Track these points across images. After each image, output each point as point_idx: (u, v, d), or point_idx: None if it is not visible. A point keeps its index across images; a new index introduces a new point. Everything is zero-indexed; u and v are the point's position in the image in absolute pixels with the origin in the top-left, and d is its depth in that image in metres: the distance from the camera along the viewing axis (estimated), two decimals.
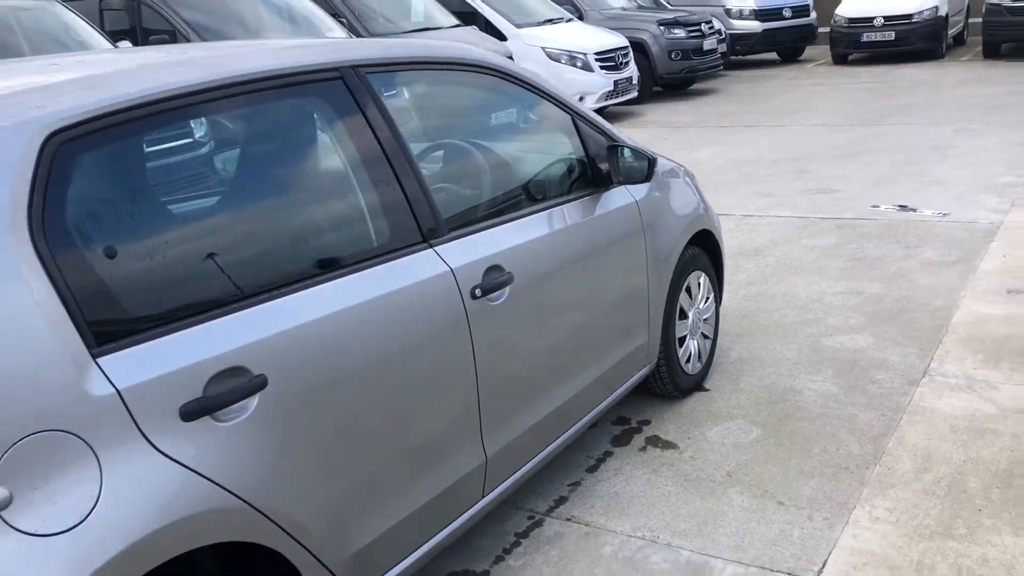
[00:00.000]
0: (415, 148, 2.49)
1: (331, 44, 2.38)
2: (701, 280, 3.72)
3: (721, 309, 4.56)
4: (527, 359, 2.62)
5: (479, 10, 11.31)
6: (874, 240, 5.57)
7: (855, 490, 2.96)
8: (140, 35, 8.17)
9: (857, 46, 14.81)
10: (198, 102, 1.94)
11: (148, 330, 1.73)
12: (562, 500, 3.06)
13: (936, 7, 14.37)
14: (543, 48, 11.04)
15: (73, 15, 7.30)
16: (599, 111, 10.91)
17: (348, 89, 2.29)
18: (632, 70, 11.60)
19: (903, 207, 6.25)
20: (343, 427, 2.03)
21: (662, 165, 3.49)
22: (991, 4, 13.57)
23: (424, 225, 2.34)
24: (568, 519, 2.95)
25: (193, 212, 2.04)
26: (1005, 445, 3.14)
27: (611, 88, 11.09)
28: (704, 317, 3.78)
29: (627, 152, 3.08)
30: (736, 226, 6.13)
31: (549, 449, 2.82)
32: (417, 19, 10.37)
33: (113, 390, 1.64)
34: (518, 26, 11.24)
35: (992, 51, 14.06)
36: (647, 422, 3.55)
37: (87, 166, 1.73)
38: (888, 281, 4.84)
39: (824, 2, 17.07)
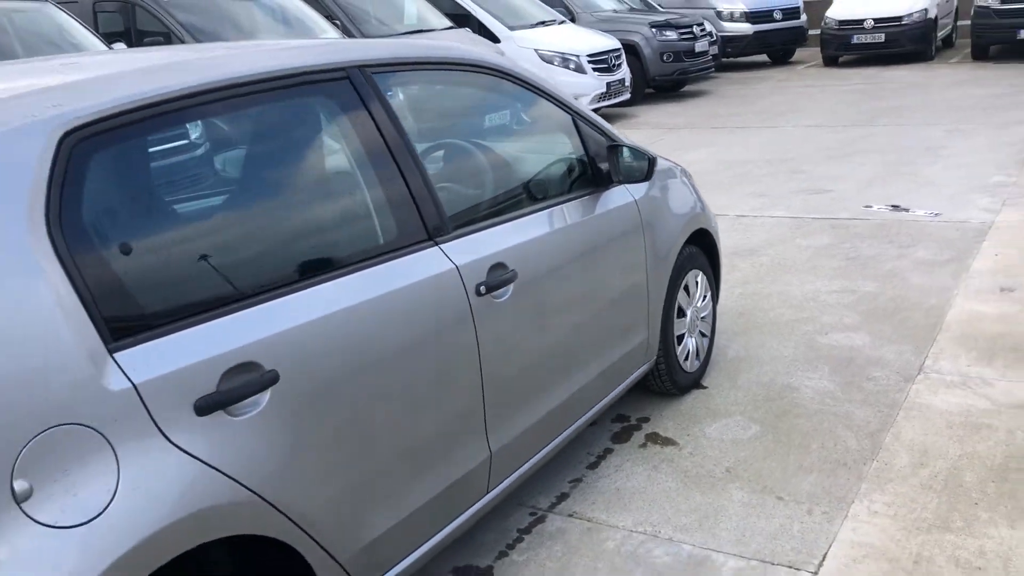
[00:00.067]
0: (420, 147, 2.52)
1: (338, 44, 2.41)
2: (699, 279, 3.76)
3: (718, 308, 4.59)
4: (530, 356, 2.65)
5: (472, 12, 11.34)
6: (867, 240, 5.62)
7: (853, 485, 3.00)
8: (134, 37, 8.18)
9: (847, 48, 14.90)
10: (209, 101, 1.97)
11: (163, 326, 1.76)
12: (564, 496, 3.09)
13: (926, 9, 14.47)
14: (536, 50, 11.09)
15: (67, 17, 7.30)
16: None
17: (355, 89, 2.31)
18: (624, 72, 11.65)
19: (896, 207, 6.30)
20: (352, 422, 2.06)
21: (660, 165, 3.52)
22: (980, 6, 13.68)
23: (430, 223, 2.37)
24: (570, 515, 2.98)
25: (205, 210, 2.06)
26: (1000, 440, 3.19)
27: (604, 90, 11.14)
28: (702, 315, 3.81)
29: (627, 152, 3.12)
30: (730, 226, 6.18)
31: (552, 445, 2.85)
32: (410, 21, 10.40)
33: (129, 385, 1.66)
34: (511, 28, 11.28)
35: (981, 53, 14.17)
36: (646, 419, 3.58)
37: (103, 164, 1.75)
38: (882, 280, 4.89)
39: (814, 4, 17.17)
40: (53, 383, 1.56)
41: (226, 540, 1.85)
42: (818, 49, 15.65)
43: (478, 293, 2.42)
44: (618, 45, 11.68)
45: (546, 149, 3.07)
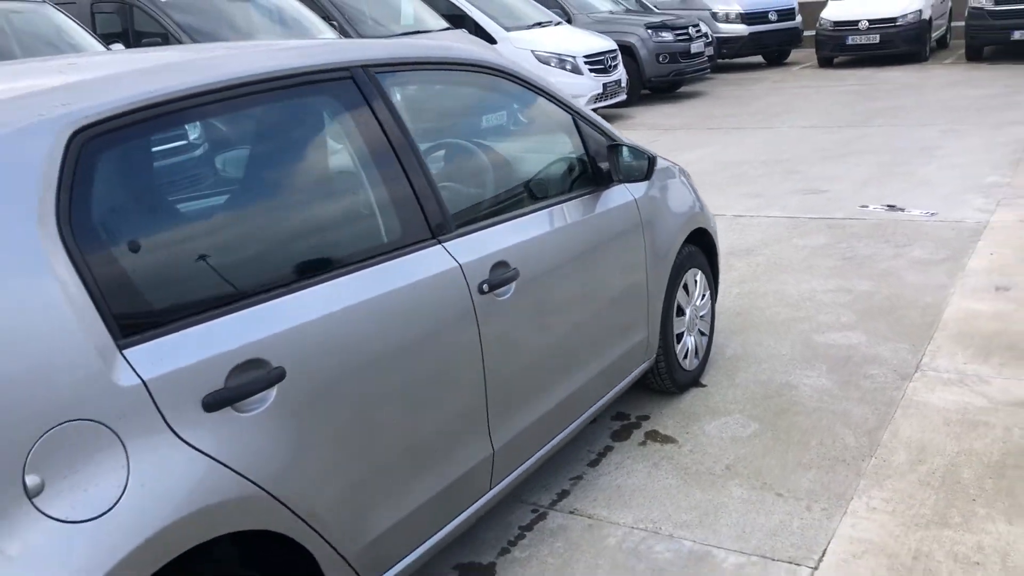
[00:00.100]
0: (423, 146, 2.54)
1: (342, 44, 2.43)
2: (698, 277, 3.78)
3: (716, 307, 4.61)
4: (532, 353, 2.67)
5: (468, 13, 11.36)
6: (863, 239, 5.65)
7: (852, 481, 3.02)
8: (132, 38, 8.19)
9: (842, 49, 14.95)
10: (215, 100, 1.98)
11: (171, 322, 1.77)
12: (565, 494, 3.11)
13: (920, 10, 14.52)
14: (532, 51, 11.11)
15: (65, 17, 7.31)
16: None
17: (359, 88, 2.33)
18: (620, 73, 11.68)
19: (891, 207, 6.33)
20: (357, 419, 2.08)
21: (659, 164, 3.54)
22: (974, 7, 13.73)
23: (433, 222, 2.39)
24: (571, 512, 3.00)
25: (213, 208, 2.08)
26: (997, 437, 3.21)
27: (600, 91, 11.17)
28: (701, 314, 3.84)
29: (627, 151, 3.14)
30: (727, 226, 6.20)
31: (553, 442, 2.87)
32: (407, 22, 10.42)
33: (139, 381, 1.67)
34: (507, 29, 11.30)
35: (975, 54, 14.22)
36: (646, 417, 3.60)
37: (112, 163, 1.77)
38: (878, 279, 4.92)
39: (809, 6, 17.21)
40: (64, 379, 1.57)
41: (233, 536, 1.87)
42: (813, 50, 15.69)
43: (481, 291, 2.44)
44: (614, 46, 11.71)
45: (547, 148, 3.10)
